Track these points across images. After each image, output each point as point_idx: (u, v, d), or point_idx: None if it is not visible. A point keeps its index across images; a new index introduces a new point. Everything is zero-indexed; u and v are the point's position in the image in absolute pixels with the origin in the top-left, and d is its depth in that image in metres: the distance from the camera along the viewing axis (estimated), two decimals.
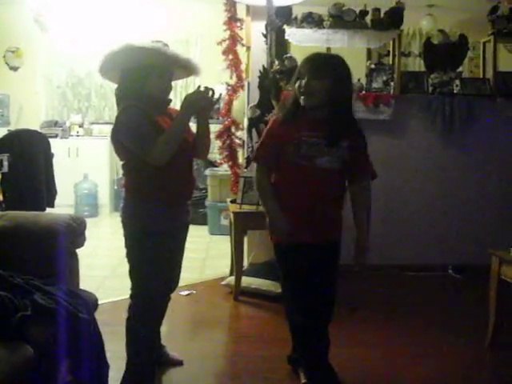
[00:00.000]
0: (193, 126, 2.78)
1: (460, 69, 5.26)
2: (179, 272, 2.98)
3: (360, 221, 2.80)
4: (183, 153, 2.69)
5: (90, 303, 2.44)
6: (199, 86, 2.66)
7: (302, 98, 2.64)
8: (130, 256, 2.74)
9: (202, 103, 2.64)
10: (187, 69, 2.83)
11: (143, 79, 2.64)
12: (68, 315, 2.19)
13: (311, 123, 2.67)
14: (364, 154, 2.79)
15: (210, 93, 2.65)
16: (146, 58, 2.64)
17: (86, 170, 7.48)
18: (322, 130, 2.64)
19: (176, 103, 7.75)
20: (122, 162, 2.76)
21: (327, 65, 2.69)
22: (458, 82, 5.06)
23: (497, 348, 3.41)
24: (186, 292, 4.35)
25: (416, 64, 7.33)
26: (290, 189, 2.73)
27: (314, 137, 2.64)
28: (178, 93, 7.85)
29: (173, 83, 2.83)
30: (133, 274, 2.75)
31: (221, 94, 2.75)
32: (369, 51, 5.66)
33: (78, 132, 7.85)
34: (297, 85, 2.66)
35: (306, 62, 2.69)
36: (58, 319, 2.15)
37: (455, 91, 5.04)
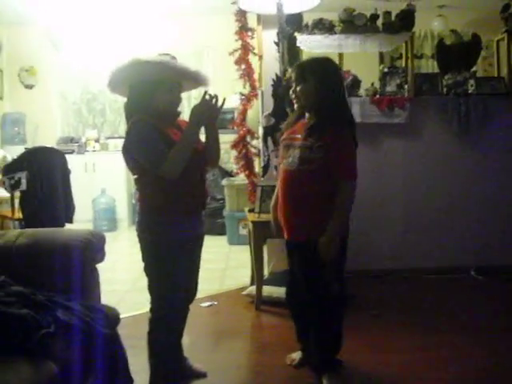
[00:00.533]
0: (201, 135, 2.78)
1: (474, 68, 5.22)
2: (197, 283, 2.99)
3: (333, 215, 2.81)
4: (195, 163, 2.70)
5: (112, 318, 2.43)
6: (204, 95, 2.65)
7: (295, 102, 2.91)
8: (148, 270, 2.76)
9: (208, 113, 2.65)
10: (196, 80, 2.84)
11: (152, 93, 2.65)
12: (91, 331, 2.19)
13: (300, 127, 2.89)
14: (339, 155, 2.79)
15: (214, 100, 2.66)
16: (154, 73, 2.65)
17: (103, 185, 7.52)
18: (302, 131, 2.84)
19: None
20: (134, 177, 2.77)
21: (308, 69, 2.86)
22: (472, 81, 5.01)
23: None
24: (208, 303, 4.34)
25: (429, 66, 7.29)
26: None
27: (293, 139, 2.88)
28: (192, 104, 7.85)
29: (187, 94, 2.84)
30: (151, 287, 2.77)
31: (224, 99, 2.75)
32: (381, 55, 5.66)
33: (94, 147, 7.90)
34: (290, 92, 2.91)
35: (293, 69, 2.96)
36: (81, 335, 2.15)
37: (470, 91, 5.00)
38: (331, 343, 3.00)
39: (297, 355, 3.24)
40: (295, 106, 2.94)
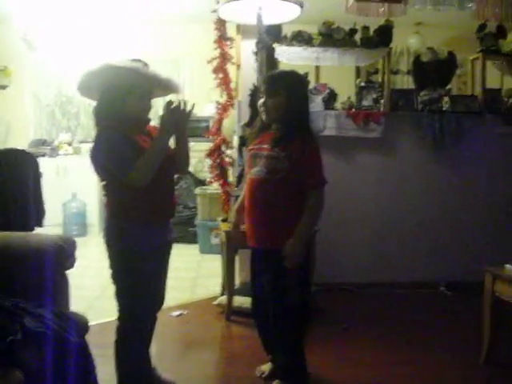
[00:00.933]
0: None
1: (449, 86, 5.28)
2: (164, 291, 2.95)
3: (297, 227, 2.82)
4: (165, 171, 2.67)
5: (80, 326, 2.39)
6: (168, 103, 2.61)
7: (262, 114, 2.97)
8: (115, 277, 2.72)
9: (177, 119, 2.63)
10: (167, 87, 2.81)
11: (123, 99, 2.62)
12: (58, 339, 2.15)
13: (266, 137, 2.92)
14: (308, 164, 2.84)
15: (183, 106, 2.63)
16: (126, 79, 2.62)
17: (75, 189, 7.42)
18: (269, 142, 2.88)
19: None
20: (102, 183, 2.73)
21: (280, 82, 2.91)
22: (447, 99, 5.07)
23: (492, 365, 3.40)
24: (177, 312, 4.30)
25: (404, 82, 7.35)
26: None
27: (260, 149, 2.91)
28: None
29: (155, 100, 2.82)
30: (119, 295, 2.73)
31: (193, 105, 2.71)
32: (357, 69, 5.69)
33: (66, 150, 7.80)
34: (259, 103, 3.01)
35: (263, 81, 3.05)
36: (48, 343, 2.11)
37: (444, 108, 5.05)
38: (294, 354, 2.99)
39: (267, 367, 3.23)
40: (263, 117, 2.98)
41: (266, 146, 2.88)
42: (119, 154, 2.53)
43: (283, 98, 2.84)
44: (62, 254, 2.63)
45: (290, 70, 3.06)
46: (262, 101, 2.96)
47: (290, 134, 2.84)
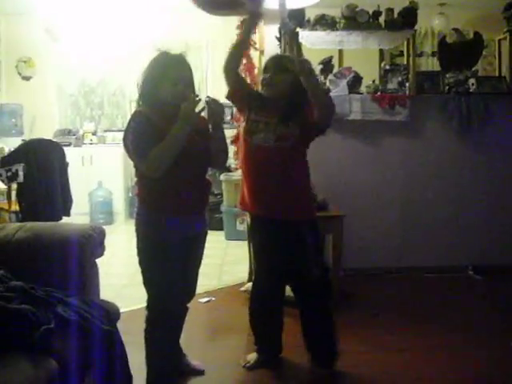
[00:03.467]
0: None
1: (475, 67, 5.20)
2: (195, 282, 2.96)
3: None
4: (194, 160, 2.66)
5: (112, 314, 2.41)
6: (193, 96, 2.59)
7: (264, 89, 2.99)
8: (143, 267, 2.73)
9: (213, 112, 2.66)
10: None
11: (155, 84, 2.63)
12: (91, 327, 2.17)
13: (265, 108, 3.00)
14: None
15: (213, 103, 2.65)
16: (159, 63, 2.66)
17: (101, 178, 7.48)
18: (271, 111, 2.97)
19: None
20: (134, 168, 2.74)
21: (288, 62, 2.99)
22: (473, 80, 5.00)
23: None
24: (205, 299, 4.33)
25: (429, 64, 7.28)
26: (243, 165, 3.13)
27: (262, 116, 2.98)
28: None
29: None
30: (146, 284, 2.74)
31: (209, 98, 2.70)
32: (381, 52, 5.63)
33: (91, 140, 7.85)
34: (261, 78, 3.04)
35: (271, 59, 3.08)
36: (81, 332, 2.13)
37: (471, 90, 4.98)
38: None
39: (252, 356, 3.25)
40: (266, 92, 3.00)
41: (273, 115, 2.96)
42: (139, 139, 2.54)
43: (291, 75, 2.89)
44: (92, 242, 2.64)
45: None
46: (267, 76, 2.98)
47: (297, 106, 2.93)
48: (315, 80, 2.99)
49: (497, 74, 5.33)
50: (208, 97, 2.68)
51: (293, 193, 2.98)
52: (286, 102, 2.96)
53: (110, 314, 2.39)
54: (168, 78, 2.62)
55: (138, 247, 2.72)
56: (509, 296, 3.43)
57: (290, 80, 2.92)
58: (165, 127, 2.57)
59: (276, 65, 2.99)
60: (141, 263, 2.73)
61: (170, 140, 2.53)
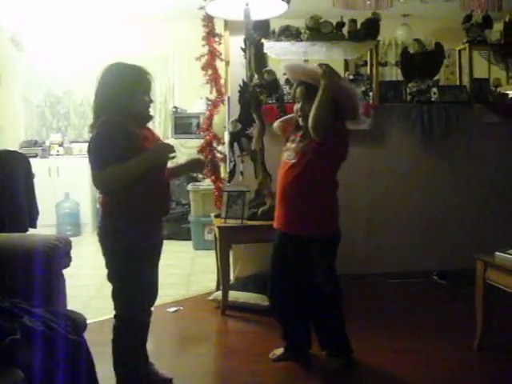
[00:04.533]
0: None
1: (437, 77, 5.32)
2: (157, 286, 2.99)
3: None
4: (161, 170, 2.71)
5: (78, 324, 2.41)
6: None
7: (301, 119, 3.13)
8: (112, 276, 2.75)
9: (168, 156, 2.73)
10: None
11: (131, 95, 2.68)
12: (57, 337, 2.17)
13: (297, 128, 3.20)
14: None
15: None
16: (134, 75, 2.71)
17: (67, 189, 7.43)
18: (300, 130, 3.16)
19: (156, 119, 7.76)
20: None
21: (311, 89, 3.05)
22: (435, 89, 5.12)
23: (485, 351, 3.45)
24: (173, 308, 4.33)
25: (393, 73, 7.38)
26: None
27: (294, 136, 3.18)
28: (158, 109, 7.82)
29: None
30: (116, 293, 2.76)
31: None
32: (346, 62, 5.72)
33: (58, 151, 7.79)
34: (296, 108, 3.16)
35: (298, 85, 3.15)
36: (48, 342, 2.13)
37: (433, 99, 5.10)
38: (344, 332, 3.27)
39: (279, 351, 3.39)
40: (301, 122, 3.13)
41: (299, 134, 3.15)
42: (108, 149, 2.55)
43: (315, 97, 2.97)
44: (58, 253, 2.65)
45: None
46: (299, 106, 3.12)
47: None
48: (343, 92, 3.07)
49: (458, 84, 5.44)
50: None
51: (306, 209, 3.11)
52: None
53: (77, 324, 2.39)
54: (142, 88, 2.72)
55: (106, 257, 2.74)
56: (471, 300, 3.50)
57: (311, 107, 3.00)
58: (139, 132, 2.66)
59: (305, 93, 3.08)
60: (110, 273, 2.74)
61: (132, 166, 2.59)
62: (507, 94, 5.28)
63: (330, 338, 3.31)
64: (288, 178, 3.11)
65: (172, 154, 2.73)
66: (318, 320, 3.30)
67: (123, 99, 2.66)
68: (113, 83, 2.69)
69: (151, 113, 2.87)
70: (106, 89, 2.69)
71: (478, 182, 5.21)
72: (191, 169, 3.30)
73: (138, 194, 2.64)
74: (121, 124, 2.61)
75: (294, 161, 3.08)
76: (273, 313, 3.46)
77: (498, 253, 3.27)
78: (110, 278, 2.75)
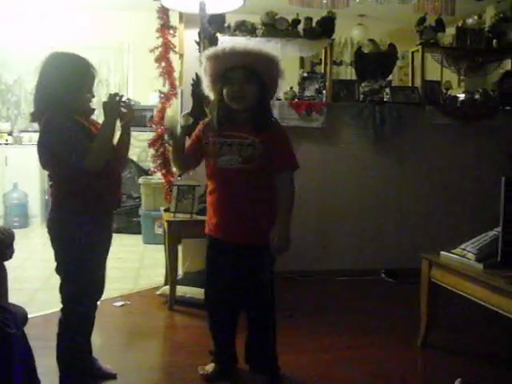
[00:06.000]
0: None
1: (390, 77, 5.39)
2: (105, 280, 2.95)
3: (278, 211, 2.83)
4: (112, 162, 2.68)
5: (19, 318, 2.36)
6: (114, 94, 2.69)
7: (234, 102, 2.78)
8: (60, 268, 2.70)
9: (120, 108, 2.69)
10: None
11: (77, 88, 2.63)
12: None
13: (235, 124, 2.82)
14: (282, 146, 2.85)
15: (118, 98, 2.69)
16: (79, 69, 2.65)
17: (16, 180, 7.28)
18: (240, 128, 2.80)
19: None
20: (48, 172, 2.71)
21: (257, 69, 2.79)
22: (387, 90, 5.18)
23: (429, 348, 3.51)
24: (120, 303, 4.27)
25: (348, 73, 7.46)
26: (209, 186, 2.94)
27: (229, 136, 2.79)
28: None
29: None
30: (64, 286, 2.71)
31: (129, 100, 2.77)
32: (302, 60, 5.75)
33: (6, 140, 7.62)
34: (226, 90, 2.78)
35: (238, 69, 2.77)
36: None
37: (385, 99, 5.17)
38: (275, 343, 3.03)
39: (210, 367, 3.13)
40: (234, 105, 2.80)
41: (237, 134, 2.79)
42: (73, 139, 2.52)
43: (258, 85, 2.78)
44: (0, 244, 2.58)
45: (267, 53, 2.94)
46: (235, 88, 2.76)
47: (265, 121, 2.83)
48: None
49: (410, 85, 5.52)
50: (128, 98, 2.75)
51: (254, 217, 2.84)
52: (254, 114, 2.82)
53: (17, 317, 2.33)
54: (86, 86, 2.69)
55: (55, 248, 2.68)
56: (417, 298, 3.56)
57: (255, 89, 2.78)
58: (88, 125, 2.66)
59: (244, 75, 2.76)
60: (58, 265, 2.69)
61: (103, 134, 2.61)
62: (457, 97, 5.38)
63: (259, 352, 3.07)
64: (235, 186, 2.82)
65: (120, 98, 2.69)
66: (251, 331, 3.05)
67: (67, 97, 2.61)
68: (56, 78, 2.62)
69: (94, 106, 2.83)
70: (49, 84, 2.62)
71: (428, 182, 5.30)
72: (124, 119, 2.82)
73: (89, 185, 2.61)
74: (67, 116, 2.58)
75: (241, 165, 2.77)
76: (211, 329, 3.12)
77: (443, 252, 3.33)
78: (58, 269, 2.70)
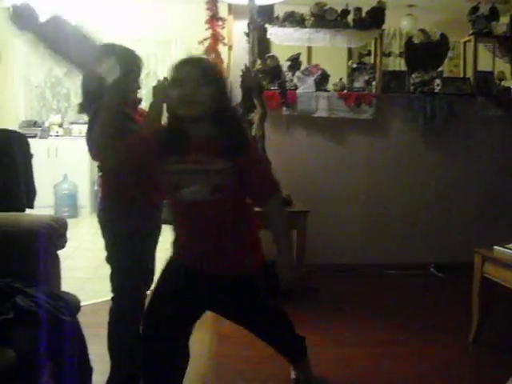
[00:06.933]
0: None
1: (440, 68, 5.28)
2: (154, 271, 2.96)
3: (277, 239, 2.35)
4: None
5: (72, 305, 2.39)
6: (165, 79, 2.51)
7: (183, 109, 2.17)
8: (111, 258, 2.72)
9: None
10: None
11: (128, 80, 2.62)
12: (50, 318, 2.14)
13: (193, 144, 2.21)
14: (258, 171, 2.31)
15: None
16: (130, 62, 2.66)
17: (66, 171, 7.42)
18: (202, 151, 2.19)
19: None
20: (97, 163, 2.74)
21: (210, 70, 2.27)
22: (438, 81, 5.08)
23: (480, 345, 3.45)
24: None
25: (396, 64, 7.35)
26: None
27: (188, 162, 2.20)
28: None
29: None
30: (115, 276, 2.73)
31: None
32: (350, 51, 5.67)
33: (57, 132, 7.77)
34: (175, 94, 2.18)
35: (188, 66, 2.24)
36: (41, 322, 2.11)
37: (436, 90, 5.07)
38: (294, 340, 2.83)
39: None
40: (183, 112, 2.18)
41: (198, 158, 2.18)
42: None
43: (214, 87, 2.18)
44: (54, 233, 2.62)
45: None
46: (182, 92, 2.15)
47: (232, 140, 2.21)
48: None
49: (462, 76, 5.41)
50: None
51: (228, 246, 2.30)
52: (215, 129, 2.20)
53: (70, 305, 2.37)
54: (135, 77, 2.72)
55: (106, 238, 2.71)
56: (468, 293, 3.49)
57: (212, 93, 2.17)
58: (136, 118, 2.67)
59: (199, 76, 2.17)
60: (108, 255, 2.72)
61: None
62: (511, 88, 5.24)
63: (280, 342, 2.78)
64: (207, 219, 2.25)
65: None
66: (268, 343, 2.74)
67: (119, 84, 2.60)
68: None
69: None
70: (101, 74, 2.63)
71: (479, 175, 5.19)
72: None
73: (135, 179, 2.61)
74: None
75: (211, 197, 2.18)
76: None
77: (496, 247, 3.25)
78: (109, 259, 2.73)
